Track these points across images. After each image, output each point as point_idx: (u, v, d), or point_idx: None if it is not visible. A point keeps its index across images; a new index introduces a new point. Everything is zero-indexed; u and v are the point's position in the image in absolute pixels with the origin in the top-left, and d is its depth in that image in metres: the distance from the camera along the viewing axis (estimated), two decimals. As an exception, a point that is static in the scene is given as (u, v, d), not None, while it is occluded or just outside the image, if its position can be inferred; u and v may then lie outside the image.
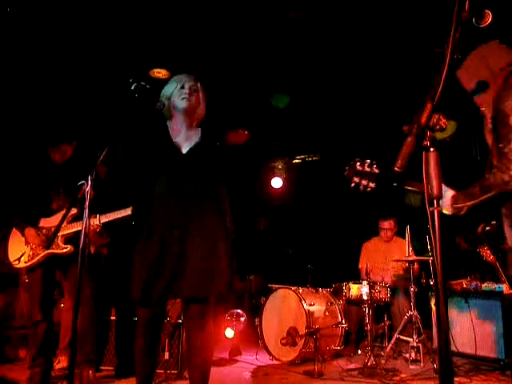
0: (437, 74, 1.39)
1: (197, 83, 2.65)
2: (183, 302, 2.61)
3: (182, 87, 2.58)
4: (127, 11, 4.00)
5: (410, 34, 4.17)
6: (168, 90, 2.62)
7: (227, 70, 4.89)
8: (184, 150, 2.56)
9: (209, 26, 4.24)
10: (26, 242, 3.30)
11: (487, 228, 4.02)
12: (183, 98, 2.55)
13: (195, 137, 2.62)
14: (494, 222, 3.86)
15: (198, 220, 2.44)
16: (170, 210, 2.44)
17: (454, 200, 1.92)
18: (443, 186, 1.92)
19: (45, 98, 4.71)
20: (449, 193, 2.00)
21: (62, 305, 3.86)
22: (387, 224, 5.22)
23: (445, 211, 1.98)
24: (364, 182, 2.01)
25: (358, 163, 2.08)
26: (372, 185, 1.66)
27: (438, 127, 1.30)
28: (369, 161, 1.93)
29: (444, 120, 1.31)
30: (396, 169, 1.26)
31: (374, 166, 1.97)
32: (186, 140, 2.59)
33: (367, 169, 2.06)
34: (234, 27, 4.27)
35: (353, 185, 1.99)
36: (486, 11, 1.71)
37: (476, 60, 2.09)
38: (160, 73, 4.74)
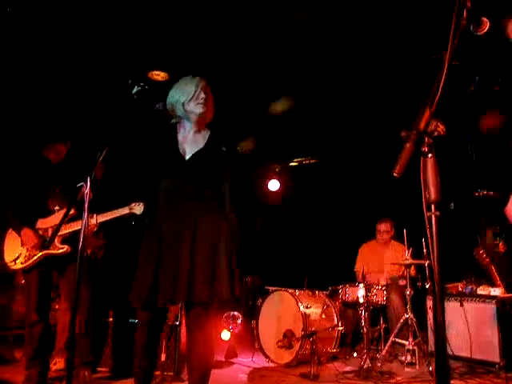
0: (435, 81, 1.41)
1: (208, 87, 2.64)
2: (184, 305, 2.62)
3: (198, 92, 2.55)
4: (127, 12, 4.01)
5: (408, 40, 4.20)
6: (182, 94, 2.58)
7: (225, 72, 4.90)
8: (187, 156, 2.56)
9: (207, 28, 4.25)
10: (22, 243, 3.30)
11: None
12: (199, 104, 2.54)
13: (202, 141, 2.62)
14: None
15: (200, 226, 2.44)
16: (172, 214, 2.45)
17: None
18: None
19: (40, 98, 4.70)
20: None
21: (58, 306, 3.85)
22: (384, 226, 5.24)
23: None
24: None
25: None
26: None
27: (435, 133, 1.32)
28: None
29: (442, 126, 1.33)
30: (395, 174, 1.28)
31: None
32: (191, 144, 2.59)
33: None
34: (232, 30, 4.28)
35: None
36: (484, 19, 1.73)
37: None
38: (159, 75, 4.75)
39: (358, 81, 5.06)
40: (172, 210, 2.47)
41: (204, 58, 4.63)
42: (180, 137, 2.61)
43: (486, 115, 5.39)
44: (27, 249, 3.28)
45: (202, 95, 2.55)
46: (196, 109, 2.55)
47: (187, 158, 2.55)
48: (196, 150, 2.57)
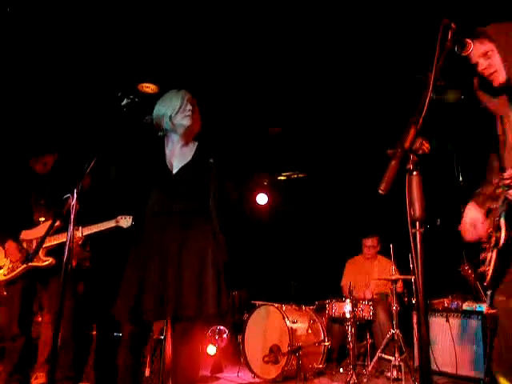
0: (420, 100, 1.44)
1: (194, 99, 2.65)
2: (170, 319, 2.59)
3: (185, 105, 2.57)
4: (116, 25, 4.03)
5: (394, 59, 4.30)
6: (168, 107, 2.59)
7: (215, 85, 4.93)
8: (174, 170, 2.56)
9: (197, 41, 4.29)
10: (6, 255, 3.25)
11: None
12: (186, 116, 2.55)
13: (189, 154, 2.62)
14: None
15: (187, 240, 2.44)
16: (159, 228, 2.45)
17: None
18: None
19: (27, 108, 4.67)
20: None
21: (40, 319, 3.79)
22: (370, 241, 5.27)
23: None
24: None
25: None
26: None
27: (420, 151, 1.35)
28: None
29: (427, 144, 1.36)
30: (380, 191, 1.29)
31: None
32: (179, 158, 2.59)
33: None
34: (221, 43, 4.33)
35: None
36: (468, 40, 1.78)
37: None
38: (149, 87, 4.76)
39: (347, 97, 5.14)
40: (159, 224, 2.46)
41: (194, 71, 4.67)
42: (167, 150, 2.61)
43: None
44: (11, 260, 3.23)
45: (189, 107, 2.57)
46: (183, 121, 2.56)
47: (174, 172, 2.55)
48: (183, 164, 2.57)
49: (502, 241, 1.76)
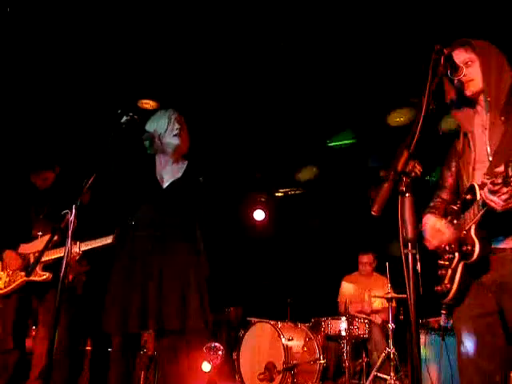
0: (413, 123, 1.48)
1: (182, 117, 2.72)
2: (156, 335, 2.62)
3: (173, 124, 2.64)
4: (116, 41, 4.10)
5: (388, 84, 4.39)
6: (157, 126, 2.66)
7: (213, 102, 4.99)
8: (165, 184, 2.62)
9: (196, 58, 4.36)
10: (3, 268, 3.24)
11: None
12: (175, 135, 2.62)
13: (179, 171, 2.68)
14: None
15: (172, 255, 2.48)
16: (145, 242, 2.50)
17: None
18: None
19: (29, 124, 4.72)
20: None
21: (34, 333, 3.76)
22: (366, 258, 5.28)
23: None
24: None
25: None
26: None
27: (413, 174, 1.38)
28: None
29: (419, 167, 1.39)
30: (373, 212, 1.32)
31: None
32: (169, 174, 2.66)
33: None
34: (219, 61, 4.40)
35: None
36: (460, 65, 1.83)
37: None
38: (148, 103, 4.82)
39: (344, 116, 5.21)
40: (144, 238, 2.51)
41: (193, 88, 4.73)
42: (158, 167, 2.68)
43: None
44: (7, 274, 3.22)
45: (176, 126, 2.64)
46: (172, 140, 2.63)
47: (164, 186, 2.61)
48: (174, 179, 2.64)
49: (475, 256, 1.72)
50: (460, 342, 1.89)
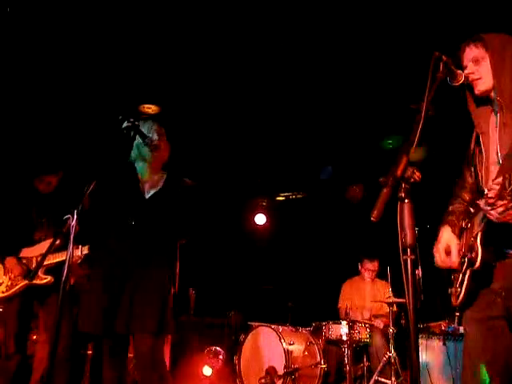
0: (412, 130, 1.50)
1: (162, 129, 2.77)
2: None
3: (152, 135, 2.67)
4: (118, 46, 4.13)
5: (388, 90, 4.41)
6: (137, 138, 2.67)
7: (215, 106, 5.01)
8: (147, 195, 2.68)
9: (197, 62, 4.38)
10: (5, 272, 3.25)
11: None
12: (154, 146, 2.64)
13: (160, 181, 2.74)
14: None
15: (144, 265, 2.56)
16: (121, 250, 2.57)
17: None
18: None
19: (33, 128, 4.75)
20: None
21: (35, 337, 3.77)
22: (372, 265, 5.26)
23: None
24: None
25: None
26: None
27: (412, 179, 1.39)
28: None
29: (418, 173, 1.40)
30: (372, 218, 1.33)
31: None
32: (150, 184, 2.71)
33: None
34: (221, 66, 4.42)
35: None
36: (459, 72, 1.84)
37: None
38: (150, 108, 4.84)
39: (346, 119, 5.22)
40: (121, 247, 2.60)
41: (194, 93, 4.75)
42: (141, 177, 2.74)
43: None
44: (9, 277, 3.23)
45: (155, 137, 2.67)
46: (149, 151, 2.66)
47: (147, 197, 2.68)
48: (156, 190, 2.70)
49: (477, 263, 1.72)
50: (465, 344, 1.89)
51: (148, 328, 2.47)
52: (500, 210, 1.59)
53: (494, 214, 1.62)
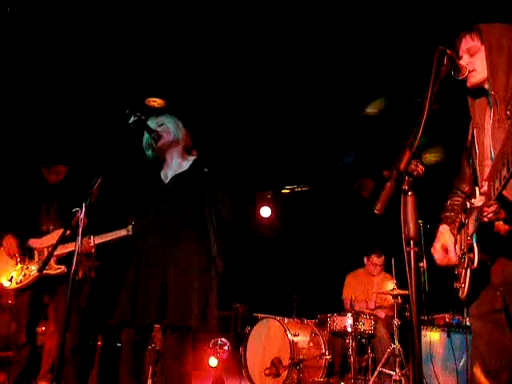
0: (416, 123, 1.50)
1: (162, 117, 2.77)
2: (162, 330, 2.66)
3: (155, 128, 2.68)
4: (124, 39, 4.14)
5: (392, 84, 4.40)
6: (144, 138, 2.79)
7: (222, 99, 5.02)
8: (166, 181, 2.67)
9: (203, 55, 4.38)
10: (17, 262, 3.27)
11: None
12: (153, 139, 2.65)
13: (185, 166, 2.72)
14: None
15: (177, 251, 2.51)
16: (152, 239, 2.55)
17: None
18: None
19: (43, 119, 4.77)
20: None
21: (44, 328, 3.81)
22: (379, 260, 5.26)
23: None
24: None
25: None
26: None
27: (415, 173, 1.40)
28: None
29: (421, 166, 1.41)
30: (376, 211, 1.35)
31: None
32: (173, 170, 2.71)
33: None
34: (227, 60, 4.42)
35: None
36: (463, 65, 1.83)
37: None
38: (156, 101, 4.85)
39: (351, 112, 5.22)
40: (151, 234, 2.57)
41: (199, 86, 4.76)
42: (165, 164, 2.76)
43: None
44: (22, 268, 3.25)
45: (154, 127, 2.67)
46: (153, 144, 2.69)
47: (167, 181, 2.67)
48: (176, 174, 2.69)
49: (475, 264, 1.73)
50: (473, 338, 1.90)
51: (188, 322, 2.39)
52: (489, 216, 1.59)
53: (482, 218, 1.62)
